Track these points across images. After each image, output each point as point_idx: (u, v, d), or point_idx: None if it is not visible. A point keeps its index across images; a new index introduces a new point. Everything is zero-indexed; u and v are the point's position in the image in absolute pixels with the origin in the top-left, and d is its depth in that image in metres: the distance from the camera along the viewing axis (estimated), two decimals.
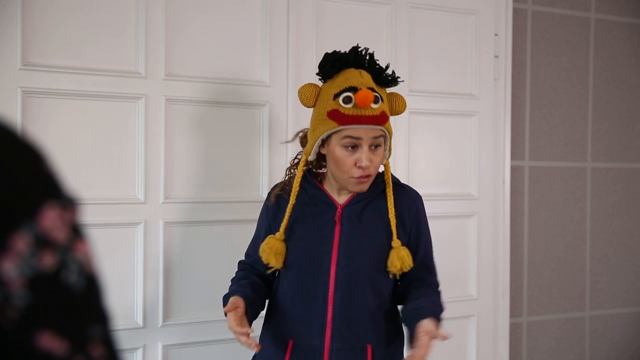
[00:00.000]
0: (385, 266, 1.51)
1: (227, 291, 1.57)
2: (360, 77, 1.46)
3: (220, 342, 2.12)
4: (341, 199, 1.56)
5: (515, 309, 2.69)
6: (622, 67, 2.91)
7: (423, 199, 1.64)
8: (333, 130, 1.45)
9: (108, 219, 2.00)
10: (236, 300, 1.45)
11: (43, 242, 0.42)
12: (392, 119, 2.36)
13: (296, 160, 1.62)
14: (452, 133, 2.51)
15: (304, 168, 1.58)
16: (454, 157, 2.51)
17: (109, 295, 2.06)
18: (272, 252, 1.52)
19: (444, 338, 1.38)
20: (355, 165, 1.45)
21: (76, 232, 0.45)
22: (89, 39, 1.98)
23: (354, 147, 1.45)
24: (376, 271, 1.51)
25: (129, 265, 2.03)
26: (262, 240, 1.56)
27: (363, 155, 1.44)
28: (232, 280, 1.64)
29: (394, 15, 2.40)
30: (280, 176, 2.13)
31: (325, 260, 1.50)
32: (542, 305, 2.76)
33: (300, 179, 1.56)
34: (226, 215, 2.14)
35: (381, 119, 1.44)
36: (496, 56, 2.57)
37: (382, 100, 1.46)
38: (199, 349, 2.12)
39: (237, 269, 1.69)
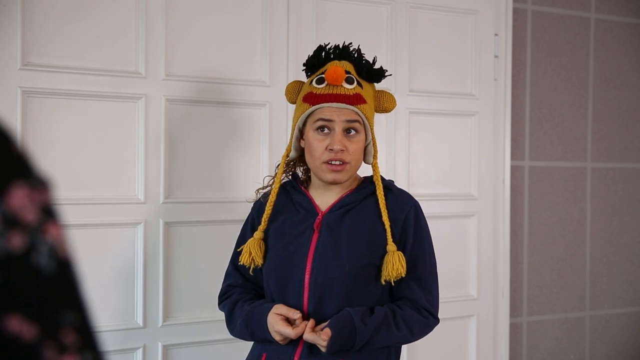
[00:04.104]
0: (369, 275, 1.42)
1: (236, 322, 1.49)
2: (339, 62, 1.44)
3: (220, 342, 2.12)
4: (325, 205, 1.48)
5: (515, 309, 2.69)
6: (622, 67, 2.91)
7: (423, 199, 1.59)
8: (307, 113, 1.42)
9: (108, 219, 2.00)
10: (286, 312, 1.38)
11: (11, 222, 0.41)
12: (392, 119, 2.38)
13: (278, 164, 1.57)
14: (452, 133, 2.51)
15: (288, 176, 1.56)
16: (453, 157, 2.51)
17: (109, 295, 2.05)
18: (247, 251, 1.47)
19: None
20: (327, 149, 1.40)
21: (47, 214, 0.43)
22: (89, 39, 1.98)
23: (327, 131, 1.41)
24: (354, 281, 1.41)
25: (129, 265, 2.03)
26: None
27: (335, 137, 1.39)
28: (230, 313, 1.52)
29: (394, 15, 2.40)
30: None
31: (299, 269, 1.42)
32: (542, 305, 2.76)
33: (280, 176, 1.52)
34: (226, 215, 2.14)
35: (354, 99, 1.39)
36: (496, 56, 2.57)
37: (360, 86, 1.42)
38: (199, 349, 2.12)
39: (224, 302, 1.56)
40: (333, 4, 2.31)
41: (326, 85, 1.40)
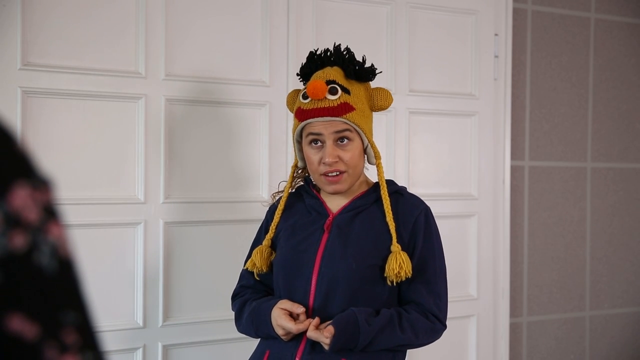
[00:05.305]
0: (375, 276, 1.42)
1: (243, 319, 1.52)
2: (322, 72, 1.44)
3: (220, 342, 2.12)
4: (336, 207, 1.50)
5: (515, 309, 2.69)
6: (622, 67, 2.91)
7: (424, 199, 1.55)
8: (299, 129, 1.44)
9: (108, 219, 2.00)
10: (290, 307, 1.40)
11: (13, 222, 0.41)
12: (392, 119, 2.38)
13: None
14: (452, 133, 2.51)
15: (300, 179, 1.58)
16: (454, 157, 2.51)
17: (110, 295, 2.04)
18: (254, 256, 1.51)
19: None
20: (321, 162, 1.42)
21: (49, 213, 0.44)
22: (89, 39, 1.98)
23: (320, 143, 1.42)
24: (361, 280, 1.41)
25: (129, 265, 2.03)
26: None
27: (326, 150, 1.40)
28: (239, 311, 1.55)
29: (394, 15, 2.40)
30: (280, 176, 2.14)
31: (308, 267, 1.44)
32: (542, 305, 2.76)
33: (290, 185, 1.55)
34: (226, 215, 2.14)
35: (339, 110, 1.38)
36: (496, 56, 2.57)
37: (347, 92, 1.41)
38: (199, 349, 2.12)
39: (235, 301, 1.59)
40: (333, 4, 2.31)
41: (310, 100, 1.40)
